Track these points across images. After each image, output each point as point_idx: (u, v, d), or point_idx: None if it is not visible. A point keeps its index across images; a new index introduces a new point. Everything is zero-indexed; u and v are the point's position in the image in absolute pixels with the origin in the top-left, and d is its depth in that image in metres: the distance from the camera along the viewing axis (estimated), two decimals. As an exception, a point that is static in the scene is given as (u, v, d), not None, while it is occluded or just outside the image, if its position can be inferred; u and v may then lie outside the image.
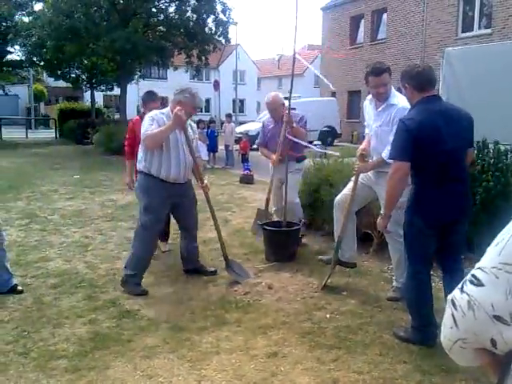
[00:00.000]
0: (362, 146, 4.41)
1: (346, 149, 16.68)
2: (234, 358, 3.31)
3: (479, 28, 18.48)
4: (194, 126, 4.97)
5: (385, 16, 23.24)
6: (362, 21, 24.77)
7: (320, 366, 3.20)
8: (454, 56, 8.37)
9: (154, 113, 4.57)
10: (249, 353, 3.37)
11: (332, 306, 4.17)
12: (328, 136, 21.87)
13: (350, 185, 4.47)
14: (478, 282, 1.06)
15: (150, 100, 5.65)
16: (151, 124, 4.40)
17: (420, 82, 3.40)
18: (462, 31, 18.94)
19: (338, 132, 23.48)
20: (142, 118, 5.67)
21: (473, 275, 1.08)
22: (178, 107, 4.35)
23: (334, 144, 22.19)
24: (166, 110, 4.58)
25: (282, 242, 5.45)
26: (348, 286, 4.63)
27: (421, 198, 3.40)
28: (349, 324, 3.81)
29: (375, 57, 23.03)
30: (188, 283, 4.76)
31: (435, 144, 3.29)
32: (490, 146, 4.93)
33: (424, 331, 3.47)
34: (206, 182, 4.82)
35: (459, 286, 1.11)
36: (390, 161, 4.01)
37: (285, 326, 3.78)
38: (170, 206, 4.68)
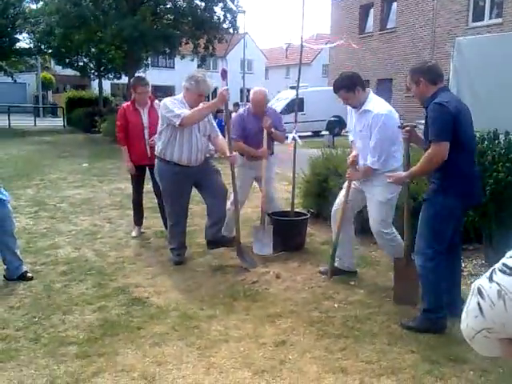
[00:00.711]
0: (353, 153, 4.41)
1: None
2: (242, 345, 3.33)
3: (490, 17, 18.24)
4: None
5: (394, 5, 22.98)
6: (372, 10, 24.52)
7: (328, 354, 3.21)
8: (465, 45, 8.30)
9: (171, 98, 4.81)
10: (257, 341, 3.38)
11: (340, 296, 4.17)
12: (336, 126, 21.78)
13: (343, 192, 4.48)
14: (510, 272, 1.04)
15: (139, 84, 5.70)
16: (177, 106, 4.58)
17: (434, 75, 3.53)
18: (473, 21, 18.70)
19: (346, 122, 23.35)
20: (133, 104, 5.74)
21: (504, 264, 1.06)
22: (225, 87, 4.57)
23: (342, 134, 22.10)
24: (179, 96, 4.75)
25: (289, 232, 5.45)
26: (356, 276, 4.63)
27: (457, 179, 3.41)
28: (357, 314, 3.82)
29: (384, 46, 22.88)
30: (196, 272, 4.78)
31: (467, 128, 3.45)
32: (501, 136, 4.89)
33: (436, 314, 3.50)
34: (234, 153, 4.85)
35: (487, 274, 1.09)
36: (376, 166, 4.11)
37: (293, 315, 3.80)
38: (189, 186, 4.85)
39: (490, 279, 1.07)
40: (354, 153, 4.40)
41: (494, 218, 4.58)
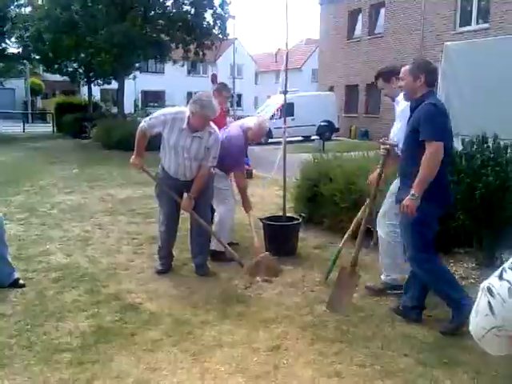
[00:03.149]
0: (374, 174, 4.28)
1: (345, 143, 16.72)
2: (236, 351, 3.33)
3: (477, 23, 18.46)
4: (214, 133, 4.65)
5: (383, 10, 23.19)
6: (360, 15, 24.71)
7: (322, 358, 3.23)
8: (453, 50, 8.38)
9: (176, 108, 4.77)
10: (251, 346, 3.39)
11: (333, 300, 4.19)
12: (326, 130, 21.88)
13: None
14: None
15: (225, 90, 6.31)
16: (159, 117, 4.60)
17: (434, 77, 3.61)
18: (460, 25, 18.92)
19: (336, 126, 23.49)
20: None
21: None
22: (137, 165, 4.74)
23: (332, 138, 22.22)
24: (186, 114, 4.53)
25: (281, 237, 5.47)
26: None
27: (439, 184, 3.43)
28: (350, 317, 3.84)
29: (373, 51, 23.03)
30: (189, 277, 4.78)
31: (451, 132, 3.53)
32: (490, 140, 4.94)
33: (464, 301, 3.45)
34: (187, 196, 4.63)
35: (496, 273, 1.12)
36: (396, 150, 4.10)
37: (286, 320, 3.81)
38: (176, 194, 4.74)
39: (500, 278, 1.10)
40: (375, 173, 4.22)
41: (484, 221, 4.63)
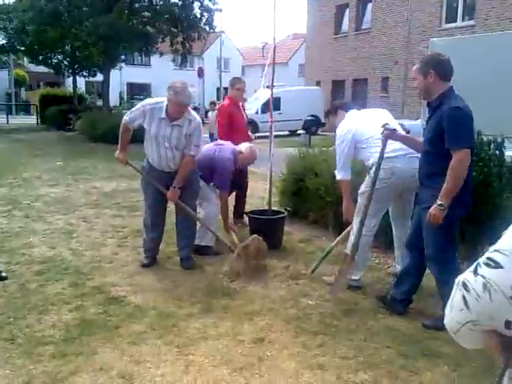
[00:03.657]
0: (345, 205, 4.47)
1: (331, 138, 16.74)
2: (221, 343, 3.34)
3: (463, 19, 18.60)
4: (194, 120, 4.60)
5: (369, 6, 23.24)
6: (347, 10, 24.74)
7: (306, 351, 3.25)
8: (439, 46, 8.43)
9: (156, 99, 4.68)
10: (236, 338, 3.40)
11: (317, 293, 4.22)
12: (312, 125, 21.89)
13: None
14: (495, 265, 1.08)
15: (238, 82, 6.26)
16: (137, 110, 4.61)
17: (446, 69, 3.41)
18: (446, 22, 19.05)
19: (322, 121, 23.51)
20: (230, 100, 6.23)
21: (489, 258, 1.10)
22: (122, 160, 4.75)
23: (318, 133, 22.24)
24: (165, 104, 4.50)
25: (267, 230, 5.47)
26: (333, 274, 4.67)
27: (465, 186, 3.34)
28: (334, 310, 3.87)
29: (360, 46, 23.08)
30: (174, 270, 4.78)
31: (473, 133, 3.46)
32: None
33: None
34: (172, 187, 4.64)
35: (471, 269, 1.13)
36: (339, 177, 4.33)
37: (271, 313, 3.83)
38: (162, 186, 4.70)
39: (475, 273, 1.11)
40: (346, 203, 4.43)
41: (467, 216, 4.67)
